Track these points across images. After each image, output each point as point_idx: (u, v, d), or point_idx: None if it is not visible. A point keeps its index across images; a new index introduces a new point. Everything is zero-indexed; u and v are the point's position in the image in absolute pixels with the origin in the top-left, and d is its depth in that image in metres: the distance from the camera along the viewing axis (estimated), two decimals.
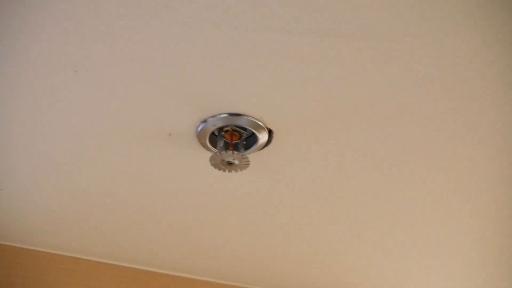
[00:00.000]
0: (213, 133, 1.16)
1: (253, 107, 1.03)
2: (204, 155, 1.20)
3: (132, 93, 1.02)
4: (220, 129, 1.13)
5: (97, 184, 1.37)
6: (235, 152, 1.10)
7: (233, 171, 1.17)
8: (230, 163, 1.13)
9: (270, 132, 1.13)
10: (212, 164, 1.14)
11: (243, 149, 1.15)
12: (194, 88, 0.99)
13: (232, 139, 1.15)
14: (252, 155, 1.20)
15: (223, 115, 1.08)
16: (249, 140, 1.19)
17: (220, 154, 1.10)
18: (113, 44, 0.90)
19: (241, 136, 1.15)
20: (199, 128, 1.11)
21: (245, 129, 1.13)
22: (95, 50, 0.91)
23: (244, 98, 1.01)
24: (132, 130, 1.14)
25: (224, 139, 1.16)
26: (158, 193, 1.41)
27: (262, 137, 1.12)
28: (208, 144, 1.16)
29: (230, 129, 1.14)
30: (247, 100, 1.02)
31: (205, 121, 1.10)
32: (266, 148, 1.17)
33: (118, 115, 1.09)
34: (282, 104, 1.02)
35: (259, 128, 1.09)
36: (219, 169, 1.16)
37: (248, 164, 1.14)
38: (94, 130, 1.15)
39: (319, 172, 1.23)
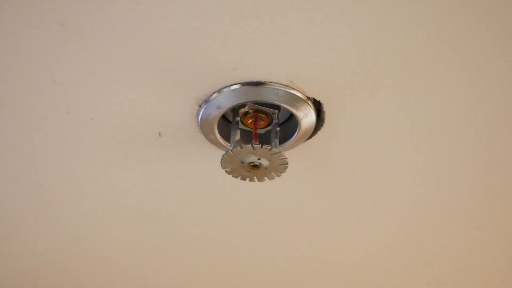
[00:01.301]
0: (226, 119, 0.78)
1: (280, 68, 0.67)
2: (215, 156, 0.83)
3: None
4: (235, 112, 0.75)
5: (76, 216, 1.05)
6: (263, 147, 0.69)
7: (258, 179, 0.75)
8: (254, 166, 0.72)
9: (317, 107, 0.73)
10: (226, 171, 0.74)
11: (275, 141, 0.74)
12: (182, 54, 0.65)
13: (256, 126, 0.77)
14: (294, 150, 0.80)
15: (232, 88, 0.69)
16: (287, 126, 0.80)
17: (234, 152, 0.69)
18: None
19: (271, 120, 0.76)
20: (200, 115, 0.73)
21: (276, 107, 0.74)
22: None
23: (263, 55, 0.65)
24: (107, 135, 0.80)
25: (244, 127, 0.77)
26: (157, 225, 1.06)
27: (306, 117, 0.72)
28: (220, 139, 0.76)
29: (251, 111, 0.75)
30: (269, 57, 0.65)
31: (205, 101, 0.72)
32: (316, 135, 0.77)
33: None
34: (325, 57, 0.65)
35: (298, 101, 0.70)
36: (238, 177, 0.75)
37: (286, 166, 0.72)
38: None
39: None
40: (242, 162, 0.72)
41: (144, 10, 0.61)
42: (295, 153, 0.81)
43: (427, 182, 0.89)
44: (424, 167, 0.86)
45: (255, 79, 0.68)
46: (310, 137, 0.78)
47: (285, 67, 0.67)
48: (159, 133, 0.78)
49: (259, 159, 0.71)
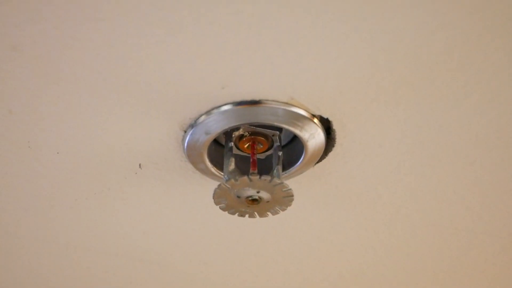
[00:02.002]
0: (220, 143, 0.69)
1: (277, 83, 0.57)
2: (207, 188, 0.73)
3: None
4: (227, 136, 0.65)
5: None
6: (262, 178, 0.60)
7: (260, 215, 0.65)
8: (253, 201, 0.62)
9: (326, 125, 0.63)
10: (221, 207, 0.63)
11: (277, 169, 0.64)
12: (159, 72, 0.55)
13: (254, 151, 0.66)
14: (302, 177, 0.71)
15: (223, 109, 0.59)
16: (292, 148, 0.70)
17: (228, 185, 0.59)
18: None
19: (271, 143, 0.67)
20: (186, 141, 0.63)
21: (277, 128, 0.64)
22: None
23: (256, 69, 0.55)
24: (78, 171, 0.70)
25: (241, 152, 0.68)
26: (146, 269, 0.95)
27: (313, 138, 0.62)
28: (212, 168, 0.66)
29: (247, 134, 0.66)
30: (263, 71, 0.55)
31: (191, 125, 0.62)
32: (326, 157, 0.68)
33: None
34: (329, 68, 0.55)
35: (301, 121, 0.60)
36: (235, 214, 0.65)
37: (291, 198, 0.62)
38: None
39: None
40: (238, 197, 0.62)
41: (110, 26, 0.52)
42: (303, 180, 0.71)
43: (464, 206, 0.80)
44: (459, 190, 0.77)
45: (248, 98, 0.59)
46: (320, 160, 0.68)
47: (283, 81, 0.57)
48: (139, 165, 0.69)
49: (258, 192, 0.61)
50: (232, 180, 0.59)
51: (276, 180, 0.60)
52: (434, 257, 0.92)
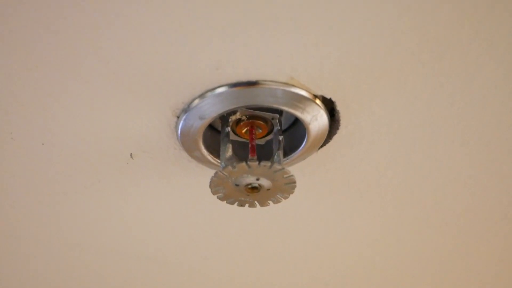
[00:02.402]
0: (216, 129, 0.66)
1: (275, 62, 0.54)
2: (204, 177, 0.70)
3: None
4: (224, 121, 0.62)
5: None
6: (261, 164, 0.56)
7: (260, 204, 0.62)
8: (253, 188, 0.58)
9: (329, 106, 0.60)
10: (218, 197, 0.60)
11: (278, 154, 0.61)
12: (148, 53, 0.52)
13: (253, 136, 0.63)
14: (305, 162, 0.68)
15: (217, 91, 0.56)
16: (294, 132, 0.67)
17: (225, 173, 0.56)
18: None
19: (271, 128, 0.63)
20: (179, 128, 0.60)
21: (277, 110, 0.61)
22: None
23: (252, 48, 0.52)
24: (65, 163, 0.67)
25: (239, 138, 0.64)
26: (141, 266, 0.92)
27: (316, 120, 0.59)
28: (208, 156, 0.63)
29: (245, 118, 0.62)
30: (260, 50, 0.53)
31: (184, 110, 0.59)
32: (331, 141, 0.64)
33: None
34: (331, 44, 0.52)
35: (303, 102, 0.57)
36: (234, 204, 0.62)
37: (293, 185, 0.59)
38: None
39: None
40: (237, 185, 0.59)
41: (94, 5, 0.49)
42: (306, 166, 0.68)
43: (480, 191, 0.76)
44: (475, 174, 0.73)
45: (244, 79, 0.55)
46: (324, 144, 0.65)
47: (282, 60, 0.54)
48: (131, 155, 0.66)
49: (258, 179, 0.58)
50: (230, 167, 0.56)
51: (277, 166, 0.56)
52: (449, 245, 0.88)
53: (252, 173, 0.57)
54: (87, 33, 0.51)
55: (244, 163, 0.56)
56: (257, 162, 0.56)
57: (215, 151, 0.64)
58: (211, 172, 0.63)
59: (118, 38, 0.52)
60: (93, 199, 0.75)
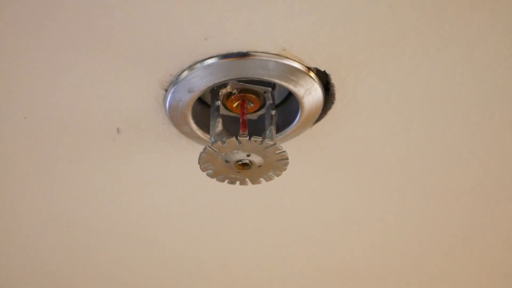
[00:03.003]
0: (206, 103, 0.65)
1: (267, 32, 0.53)
2: (193, 153, 0.68)
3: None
4: (214, 94, 0.61)
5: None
6: (252, 139, 0.56)
7: (252, 181, 0.62)
8: (244, 165, 0.58)
9: (324, 79, 0.59)
10: (208, 174, 0.60)
11: (270, 129, 0.60)
12: (134, 23, 0.51)
13: (244, 111, 0.62)
14: (299, 138, 0.67)
15: (207, 63, 0.55)
16: (287, 107, 0.66)
17: (214, 149, 0.56)
18: None
19: (263, 102, 0.62)
20: (168, 101, 0.59)
21: (269, 83, 0.60)
22: None
23: (243, 17, 0.51)
24: (48, 138, 0.66)
25: (229, 112, 0.63)
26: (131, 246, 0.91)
27: (310, 94, 0.58)
28: (198, 131, 0.62)
29: (236, 91, 0.61)
30: (251, 19, 0.52)
31: (172, 83, 0.57)
32: (326, 116, 0.64)
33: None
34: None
35: (295, 74, 0.56)
36: (225, 181, 0.61)
37: (286, 162, 0.58)
38: None
39: None
40: (227, 161, 0.58)
41: None
42: (301, 142, 0.67)
43: (482, 167, 0.75)
44: (477, 149, 0.72)
45: (235, 50, 0.54)
46: (318, 120, 0.64)
47: (273, 30, 0.53)
48: (117, 129, 0.65)
49: (248, 155, 0.57)
50: (219, 143, 0.55)
51: (268, 142, 0.56)
52: (451, 225, 0.88)
53: (242, 149, 0.57)
54: (74, 4, 0.50)
55: (234, 138, 0.55)
56: (247, 137, 0.56)
57: (205, 126, 0.63)
58: (201, 148, 0.62)
59: (105, 5, 0.51)
60: (78, 175, 0.74)
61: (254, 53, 0.55)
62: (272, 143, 0.56)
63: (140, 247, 0.91)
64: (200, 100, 0.63)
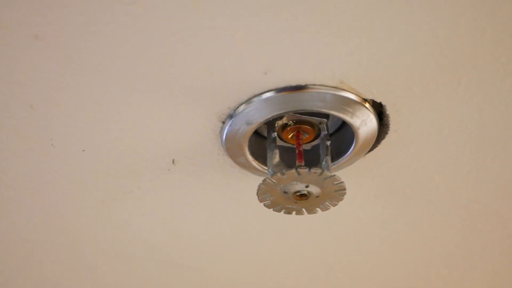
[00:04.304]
0: (260, 134, 0.67)
1: (325, 66, 0.54)
2: (248, 184, 0.71)
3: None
4: (270, 126, 0.63)
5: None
6: (311, 171, 0.57)
7: (308, 211, 0.63)
8: (302, 196, 0.60)
9: (378, 110, 0.61)
10: (265, 204, 0.61)
11: (326, 160, 0.62)
12: (193, 58, 0.53)
13: (300, 142, 0.64)
14: (352, 167, 0.69)
15: (265, 96, 0.57)
16: (339, 136, 0.68)
17: (273, 180, 0.58)
18: None
19: (317, 133, 0.64)
20: (224, 133, 0.61)
21: (324, 115, 0.62)
22: None
23: (301, 51, 0.53)
24: (105, 169, 0.68)
25: (284, 143, 0.65)
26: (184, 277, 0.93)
27: (365, 125, 0.60)
28: (253, 162, 0.65)
29: (292, 123, 0.63)
30: (309, 53, 0.53)
31: (230, 116, 0.60)
32: (379, 145, 0.66)
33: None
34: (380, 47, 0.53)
35: (352, 106, 0.58)
36: (281, 211, 0.63)
37: (343, 192, 0.60)
38: None
39: None
40: (285, 192, 0.60)
41: (140, 9, 0.50)
42: (353, 171, 0.69)
43: None
44: None
45: (293, 83, 0.56)
46: (371, 149, 0.66)
47: (331, 63, 0.55)
48: (173, 161, 0.67)
49: (307, 186, 0.59)
50: (279, 174, 0.57)
51: (327, 173, 0.57)
52: (497, 256, 0.89)
53: (301, 180, 0.59)
54: (133, 38, 0.52)
55: (294, 170, 0.57)
56: (307, 169, 0.57)
57: (259, 156, 0.65)
58: (255, 179, 0.65)
59: (165, 42, 0.53)
60: (132, 206, 0.77)
61: (312, 86, 0.57)
62: (331, 174, 0.58)
63: (193, 277, 0.92)
64: (254, 131, 0.64)
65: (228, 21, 0.51)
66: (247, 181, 0.70)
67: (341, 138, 0.66)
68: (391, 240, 0.85)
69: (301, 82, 0.57)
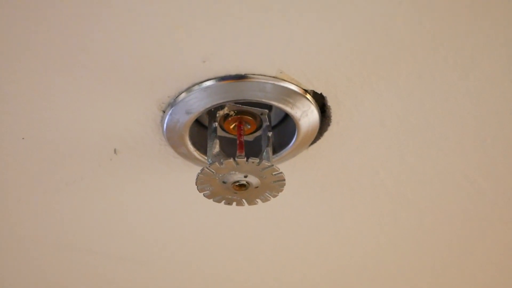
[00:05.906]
0: (203, 125, 0.69)
1: (265, 55, 0.56)
2: (190, 174, 0.72)
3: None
4: (211, 116, 0.64)
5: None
6: (249, 161, 0.59)
7: (248, 202, 0.65)
8: (241, 186, 0.61)
9: (320, 101, 0.63)
10: (205, 194, 0.63)
11: (267, 151, 0.63)
12: (133, 45, 0.54)
13: (241, 132, 0.65)
14: (295, 160, 0.70)
15: (205, 85, 0.58)
16: (284, 128, 0.69)
17: (212, 170, 0.59)
18: None
19: (260, 124, 0.66)
20: (165, 123, 0.62)
21: (266, 105, 0.63)
22: None
23: (241, 40, 0.54)
24: (45, 159, 0.68)
25: (226, 134, 0.66)
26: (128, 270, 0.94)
27: (306, 116, 0.61)
28: (195, 152, 0.66)
29: (233, 113, 0.64)
30: (249, 43, 0.55)
31: (170, 105, 0.61)
32: (322, 137, 0.67)
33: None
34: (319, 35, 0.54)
35: (293, 97, 0.59)
36: (221, 202, 0.64)
37: (282, 183, 0.61)
38: None
39: None
40: (224, 182, 0.62)
41: None
42: (296, 164, 0.71)
43: (475, 190, 0.78)
44: (470, 172, 0.75)
45: (233, 72, 0.58)
46: (314, 141, 0.67)
47: (271, 53, 0.56)
48: (114, 150, 0.68)
49: (246, 176, 0.60)
50: (217, 164, 0.58)
51: (265, 163, 0.59)
52: (443, 247, 0.91)
53: (240, 170, 0.60)
54: (73, 26, 0.53)
55: (231, 160, 0.59)
56: (245, 159, 0.59)
57: (201, 147, 0.66)
58: (197, 169, 0.65)
59: (104, 30, 0.54)
60: (75, 196, 0.76)
61: (252, 76, 0.58)
62: (269, 164, 0.59)
63: (135, 268, 0.93)
64: (197, 122, 0.67)
65: (165, 8, 0.51)
66: (190, 172, 0.71)
67: (284, 130, 0.67)
68: (338, 233, 0.86)
69: (241, 71, 0.58)
